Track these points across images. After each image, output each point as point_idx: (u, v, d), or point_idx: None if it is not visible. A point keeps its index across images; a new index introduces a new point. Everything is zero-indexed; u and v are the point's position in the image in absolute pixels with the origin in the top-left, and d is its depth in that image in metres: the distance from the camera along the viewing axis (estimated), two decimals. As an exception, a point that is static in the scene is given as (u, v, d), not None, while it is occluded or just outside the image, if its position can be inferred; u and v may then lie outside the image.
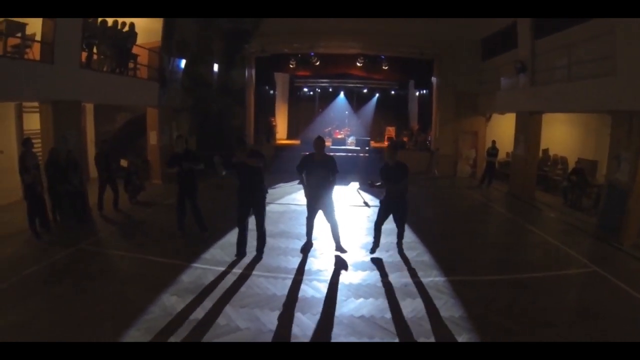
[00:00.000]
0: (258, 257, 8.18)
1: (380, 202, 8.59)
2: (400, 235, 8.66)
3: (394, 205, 8.35)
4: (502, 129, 18.62)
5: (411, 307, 6.34)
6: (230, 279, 7.19)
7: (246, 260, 8.02)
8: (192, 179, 9.41)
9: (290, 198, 14.00)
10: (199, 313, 5.97)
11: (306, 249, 8.71)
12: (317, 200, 8.40)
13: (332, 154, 20.70)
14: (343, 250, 8.54)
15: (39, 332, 5.32)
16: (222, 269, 7.58)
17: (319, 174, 8.27)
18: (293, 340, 5.36)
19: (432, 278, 7.42)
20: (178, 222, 9.59)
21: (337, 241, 8.57)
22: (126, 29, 13.70)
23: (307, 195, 8.53)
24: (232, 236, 9.06)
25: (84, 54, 11.96)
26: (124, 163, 13.62)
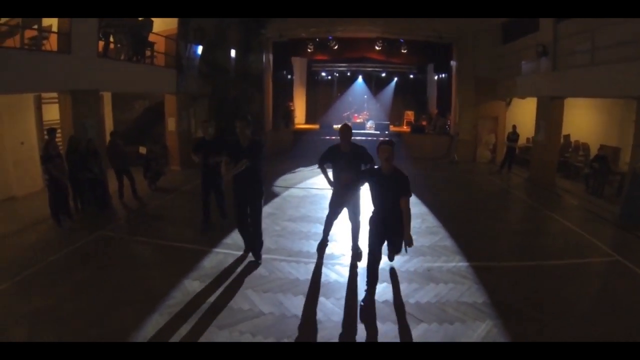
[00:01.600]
0: (256, 262, 7.28)
1: (371, 220, 6.15)
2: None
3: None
4: (523, 114, 18.35)
5: (434, 292, 6.30)
6: (252, 264, 7.20)
7: (267, 244, 7.95)
8: (218, 172, 8.85)
9: (310, 182, 13.97)
10: (222, 298, 5.98)
11: (322, 247, 7.87)
12: (343, 198, 7.26)
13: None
14: (358, 253, 7.44)
15: (63, 318, 5.38)
16: (244, 253, 7.57)
17: (348, 167, 6.91)
18: (318, 325, 5.35)
19: (455, 263, 7.36)
20: (203, 220, 9.05)
21: (355, 242, 7.49)
22: (142, 17, 13.67)
23: (334, 192, 7.44)
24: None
25: (101, 43, 12.00)
26: (142, 150, 13.65)
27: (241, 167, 6.60)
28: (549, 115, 14.70)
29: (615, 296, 6.54)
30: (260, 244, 7.36)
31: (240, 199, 7.07)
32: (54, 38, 10.47)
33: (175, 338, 4.99)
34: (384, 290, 6.31)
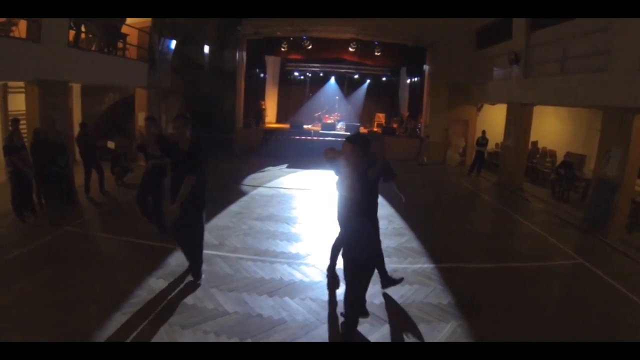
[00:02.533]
0: (195, 282, 6.39)
1: None
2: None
3: None
4: (493, 120, 18.67)
5: (399, 293, 6.34)
6: (218, 262, 7.14)
7: (234, 243, 7.98)
8: (158, 176, 7.97)
9: (279, 182, 13.95)
10: (187, 297, 5.92)
11: (333, 285, 6.49)
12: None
13: (321, 138, 20.89)
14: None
15: (24, 316, 5.26)
16: (210, 252, 7.50)
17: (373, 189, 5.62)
18: (281, 324, 5.34)
19: (421, 265, 7.43)
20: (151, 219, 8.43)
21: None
22: (119, 17, 13.49)
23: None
24: (220, 219, 9.12)
25: (72, 33, 11.78)
26: (111, 145, 13.43)
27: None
28: (519, 121, 14.98)
29: (578, 297, 6.77)
30: (197, 263, 6.48)
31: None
32: (23, 25, 10.23)
33: (139, 337, 4.92)
34: (349, 291, 6.32)
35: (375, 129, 24.09)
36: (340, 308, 5.66)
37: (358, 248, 4.76)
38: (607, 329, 5.70)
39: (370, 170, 5.10)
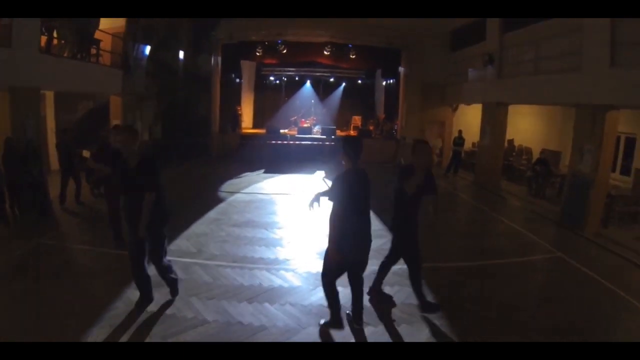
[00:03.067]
0: (172, 300, 6.00)
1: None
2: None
3: None
4: (469, 120, 18.85)
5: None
6: (196, 270, 7.06)
7: (212, 250, 7.94)
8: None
9: (256, 187, 13.93)
10: (166, 307, 5.83)
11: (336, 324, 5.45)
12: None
13: (298, 142, 20.92)
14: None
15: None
16: (188, 260, 7.45)
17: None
18: (262, 331, 5.29)
19: (400, 265, 7.37)
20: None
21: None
22: (94, 17, 13.29)
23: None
24: (198, 226, 9.08)
25: (44, 38, 11.59)
26: (86, 153, 13.24)
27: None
28: (494, 120, 15.18)
29: (557, 290, 6.94)
30: (173, 280, 6.04)
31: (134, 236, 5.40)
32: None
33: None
34: (329, 295, 6.30)
35: (352, 132, 24.20)
36: (324, 313, 5.66)
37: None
38: (586, 319, 5.86)
39: (408, 184, 5.17)
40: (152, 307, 5.80)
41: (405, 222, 5.64)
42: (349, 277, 5.36)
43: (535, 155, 15.71)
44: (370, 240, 5.22)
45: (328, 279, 5.29)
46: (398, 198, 5.60)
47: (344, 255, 4.95)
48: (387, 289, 6.52)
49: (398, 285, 6.71)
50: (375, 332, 5.36)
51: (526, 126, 17.72)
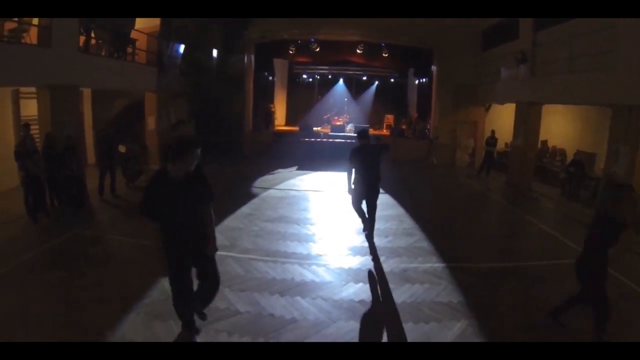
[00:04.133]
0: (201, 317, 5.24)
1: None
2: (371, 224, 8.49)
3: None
4: (502, 119, 18.62)
5: (410, 292, 6.37)
6: (229, 263, 7.18)
7: (245, 244, 8.07)
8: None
9: (289, 184, 14.03)
10: (198, 297, 5.95)
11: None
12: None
13: (330, 140, 20.99)
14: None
15: (37, 317, 5.31)
16: (222, 253, 7.50)
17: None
18: (293, 324, 5.37)
19: (431, 264, 7.44)
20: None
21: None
22: (125, 17, 13.59)
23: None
24: (231, 221, 9.25)
25: (82, 38, 11.89)
26: (122, 149, 13.51)
27: None
28: (527, 120, 14.97)
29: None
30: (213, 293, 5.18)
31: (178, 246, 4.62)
32: (34, 31, 10.34)
33: (151, 337, 4.96)
34: (360, 290, 6.38)
35: (385, 131, 24.19)
36: (354, 308, 5.72)
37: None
38: (617, 325, 5.68)
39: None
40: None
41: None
42: (366, 204, 8.22)
43: (570, 156, 15.40)
44: (373, 184, 8.09)
45: (356, 205, 8.29)
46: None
47: (359, 192, 8.08)
48: (417, 286, 6.58)
49: (428, 283, 6.71)
50: (405, 331, 5.37)
51: (560, 127, 17.38)
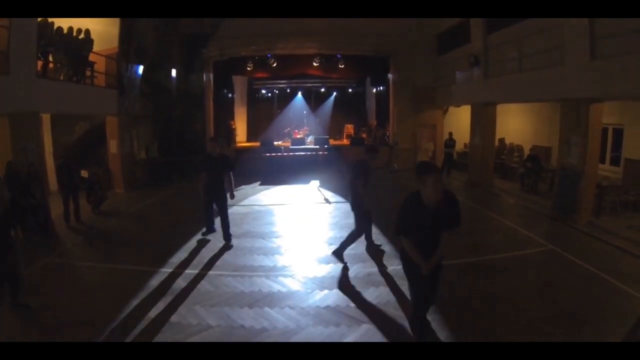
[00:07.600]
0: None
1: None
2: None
3: None
4: (459, 121, 19.15)
5: (375, 294, 6.61)
6: (198, 281, 7.29)
7: (213, 261, 8.18)
8: (222, 186, 9.34)
9: (253, 199, 14.09)
10: (170, 315, 6.06)
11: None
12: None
13: (292, 153, 21.15)
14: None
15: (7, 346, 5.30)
16: (190, 271, 7.69)
17: None
18: (263, 333, 5.51)
19: (395, 267, 7.64)
20: (207, 225, 9.73)
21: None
22: (82, 35, 13.58)
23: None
24: (197, 240, 9.29)
25: (40, 63, 11.82)
26: (84, 174, 13.41)
27: None
28: (483, 120, 15.45)
29: (551, 282, 7.12)
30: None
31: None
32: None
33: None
34: (325, 296, 6.59)
35: (345, 141, 24.51)
36: (321, 314, 5.90)
37: None
38: (580, 309, 6.02)
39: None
40: (157, 316, 6.05)
41: None
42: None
43: (526, 152, 15.93)
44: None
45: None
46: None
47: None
48: (381, 288, 6.82)
49: (393, 285, 6.97)
50: (370, 330, 5.59)
51: (516, 124, 17.99)
